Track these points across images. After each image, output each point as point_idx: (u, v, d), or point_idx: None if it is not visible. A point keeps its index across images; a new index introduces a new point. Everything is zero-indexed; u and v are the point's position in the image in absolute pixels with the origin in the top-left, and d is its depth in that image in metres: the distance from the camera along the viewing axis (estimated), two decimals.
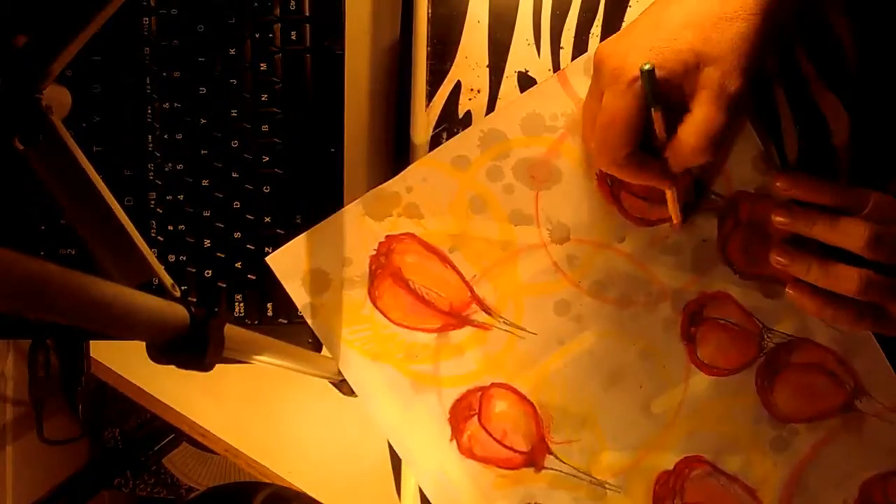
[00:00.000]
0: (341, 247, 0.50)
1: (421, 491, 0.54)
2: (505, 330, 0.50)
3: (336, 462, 0.57)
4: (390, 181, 0.50)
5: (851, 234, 0.44)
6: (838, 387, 0.48)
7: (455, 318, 0.50)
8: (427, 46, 0.51)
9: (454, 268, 0.50)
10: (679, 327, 0.49)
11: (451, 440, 0.50)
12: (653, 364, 0.49)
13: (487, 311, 0.50)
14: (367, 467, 0.56)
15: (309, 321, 0.51)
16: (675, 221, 0.48)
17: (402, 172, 0.50)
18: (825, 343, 0.48)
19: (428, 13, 0.51)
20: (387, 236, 0.50)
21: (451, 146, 0.50)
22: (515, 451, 0.50)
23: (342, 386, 0.51)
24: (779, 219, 0.46)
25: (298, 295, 0.50)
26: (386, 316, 0.50)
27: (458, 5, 0.50)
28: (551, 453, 0.50)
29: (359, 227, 0.50)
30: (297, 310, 0.51)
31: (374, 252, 0.50)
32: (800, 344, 0.49)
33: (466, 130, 0.50)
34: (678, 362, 0.49)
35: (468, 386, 0.50)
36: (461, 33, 0.51)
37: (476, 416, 0.50)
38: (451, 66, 0.51)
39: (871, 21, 0.48)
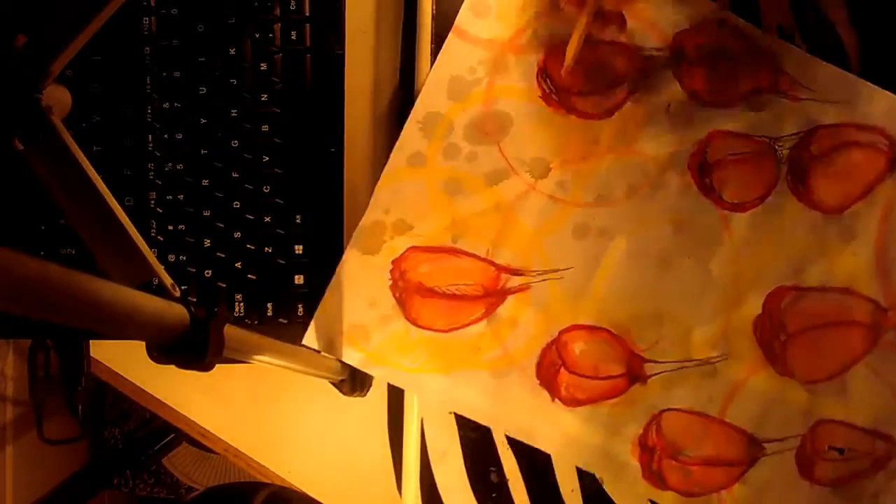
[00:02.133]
0: (360, 294, 0.51)
1: (422, 491, 0.53)
2: (542, 280, 0.49)
3: (336, 462, 0.57)
4: (366, 213, 0.50)
5: None
6: (872, 151, 0.47)
7: (494, 297, 0.50)
8: (431, 43, 0.51)
9: (466, 254, 0.50)
10: (694, 185, 0.48)
11: (553, 400, 0.50)
12: (689, 232, 0.48)
13: (517, 272, 0.50)
14: (368, 467, 0.56)
15: (373, 373, 0.51)
16: (568, 58, 0.46)
17: (371, 200, 0.50)
18: (836, 120, 0.47)
19: (432, 10, 0.51)
20: (392, 262, 0.50)
21: (399, 151, 0.50)
22: (614, 377, 0.49)
23: (342, 386, 0.51)
24: None
25: (350, 356, 0.51)
26: (433, 330, 0.50)
27: (461, 2, 0.50)
28: (647, 361, 0.49)
29: (363, 268, 0.50)
30: (296, 310, 0.51)
31: (390, 282, 0.50)
32: (812, 134, 0.47)
33: (405, 127, 0.50)
34: (711, 217, 0.48)
35: (540, 346, 0.50)
36: None
37: (562, 367, 0.50)
38: None
39: (872, 20, 0.48)
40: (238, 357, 0.41)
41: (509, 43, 0.49)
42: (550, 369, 0.50)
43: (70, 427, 0.86)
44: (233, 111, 0.50)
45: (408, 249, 0.50)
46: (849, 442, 0.48)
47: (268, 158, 0.51)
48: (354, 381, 0.51)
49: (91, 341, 0.62)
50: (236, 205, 0.51)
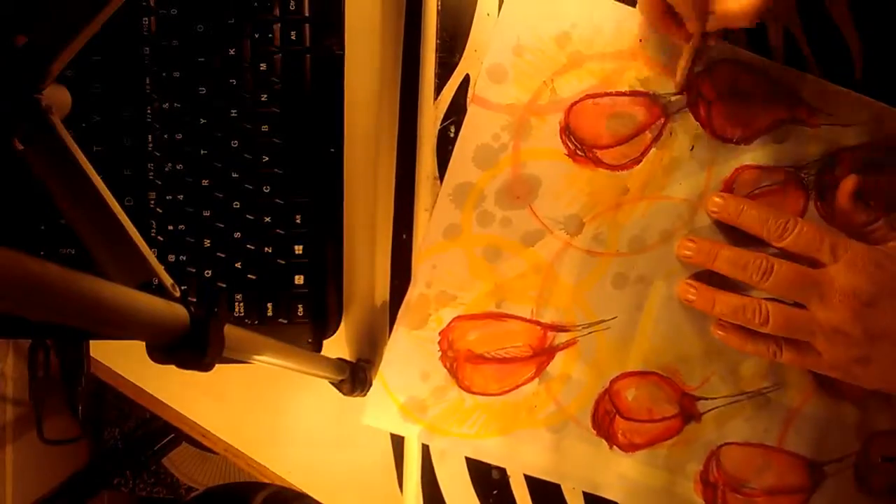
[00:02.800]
0: (412, 368, 0.51)
1: (423, 491, 0.54)
2: (588, 333, 0.50)
3: (336, 462, 0.57)
4: (409, 290, 0.51)
5: (748, 268, 0.44)
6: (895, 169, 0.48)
7: (543, 355, 0.51)
8: (436, 39, 0.51)
9: (512, 317, 0.51)
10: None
11: (612, 447, 0.51)
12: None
13: (563, 329, 0.51)
14: (368, 467, 0.56)
15: (435, 444, 0.52)
16: (678, 80, 0.46)
17: (413, 278, 0.51)
18: (856, 141, 0.48)
19: (437, 5, 0.51)
20: (440, 333, 0.51)
21: (434, 225, 0.51)
22: (669, 417, 0.50)
23: (342, 386, 0.51)
24: (685, 252, 0.47)
25: (409, 430, 0.52)
26: (487, 395, 0.51)
27: None
28: (699, 398, 0.50)
29: (413, 343, 0.51)
30: (297, 310, 0.51)
31: (440, 353, 0.51)
32: (835, 158, 0.48)
33: (437, 203, 0.51)
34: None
35: (593, 398, 0.51)
36: (470, 26, 0.51)
37: (617, 415, 0.50)
38: (460, 58, 0.51)
39: (876, 19, 0.48)
40: (238, 357, 0.41)
41: (529, 105, 0.49)
42: (605, 418, 0.51)
43: (70, 427, 0.86)
44: (233, 111, 0.50)
45: (453, 319, 0.51)
46: None
47: (268, 158, 0.51)
48: (354, 381, 0.51)
49: (91, 341, 0.62)
50: (236, 205, 0.51)
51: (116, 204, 0.38)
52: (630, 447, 0.51)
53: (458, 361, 0.51)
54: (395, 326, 0.52)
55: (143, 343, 0.34)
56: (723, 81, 0.48)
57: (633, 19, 0.48)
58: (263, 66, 0.50)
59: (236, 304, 0.51)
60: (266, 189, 0.51)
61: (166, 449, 0.96)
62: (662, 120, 0.49)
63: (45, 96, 0.36)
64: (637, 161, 0.49)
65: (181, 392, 0.60)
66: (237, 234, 0.51)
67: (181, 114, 0.51)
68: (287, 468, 0.59)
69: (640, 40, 0.48)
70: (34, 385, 0.80)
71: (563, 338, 0.51)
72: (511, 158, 0.50)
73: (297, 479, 0.59)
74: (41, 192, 0.37)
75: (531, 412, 0.51)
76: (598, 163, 0.49)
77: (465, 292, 0.51)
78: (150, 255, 0.38)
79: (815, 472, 0.49)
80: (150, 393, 0.60)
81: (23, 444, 0.81)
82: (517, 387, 0.51)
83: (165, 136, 0.51)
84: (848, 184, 0.46)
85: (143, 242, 0.38)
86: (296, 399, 0.57)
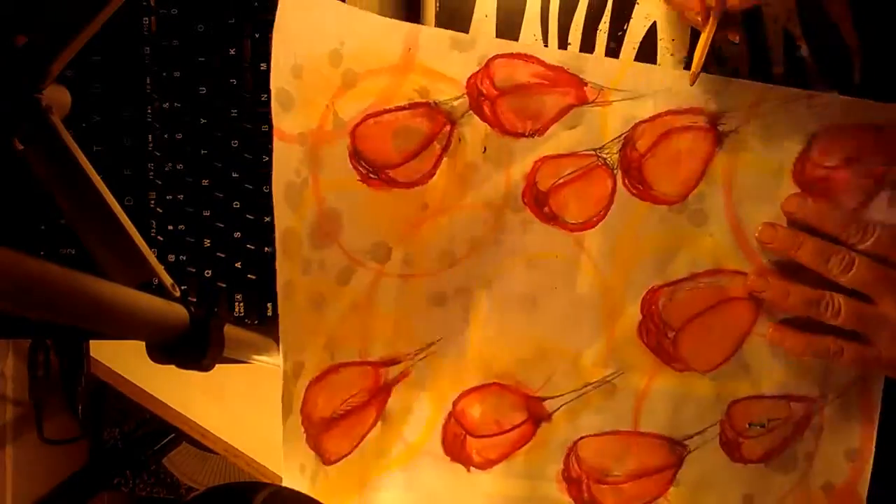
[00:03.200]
0: (292, 463, 0.48)
1: None
2: (420, 359, 0.49)
3: None
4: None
5: (831, 260, 0.44)
6: (696, 131, 0.46)
7: (380, 395, 0.49)
8: None
9: (344, 365, 0.49)
10: (535, 217, 0.47)
11: (469, 469, 0.49)
12: (543, 264, 0.48)
13: (394, 361, 0.49)
14: None
15: None
16: (694, 67, 0.44)
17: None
18: (652, 112, 0.46)
19: (436, 7, 0.51)
20: (300, 413, 0.48)
21: (279, 283, 0.47)
22: (518, 425, 0.49)
23: None
24: (763, 237, 0.46)
25: None
26: (342, 458, 0.49)
27: None
28: (545, 399, 0.49)
29: (290, 433, 0.48)
30: None
31: (305, 435, 0.48)
32: (633, 132, 0.46)
33: (276, 258, 0.47)
34: (560, 241, 0.47)
35: (439, 424, 0.49)
36: (468, 28, 0.51)
37: (466, 436, 0.49)
38: None
39: (874, 19, 0.48)
40: (238, 357, 0.41)
41: (318, 133, 0.47)
42: (456, 441, 0.49)
43: (70, 427, 0.86)
44: (233, 111, 0.50)
45: (306, 390, 0.48)
46: (766, 413, 0.48)
47: (268, 158, 0.51)
48: None
49: (91, 341, 0.62)
50: (236, 205, 0.51)
51: (116, 204, 0.38)
52: (487, 464, 0.49)
53: (317, 437, 0.48)
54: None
55: (143, 343, 0.34)
56: (501, 77, 0.46)
57: (397, 31, 0.46)
58: (263, 66, 0.50)
59: (236, 304, 0.51)
60: (266, 189, 0.51)
61: (166, 449, 0.96)
62: (448, 127, 0.47)
63: (45, 96, 0.36)
64: (430, 175, 0.47)
65: (181, 392, 0.60)
66: (237, 234, 0.51)
67: (181, 114, 0.51)
68: None
69: (409, 49, 0.46)
70: (34, 385, 0.80)
71: (395, 371, 0.49)
72: (312, 193, 0.47)
73: None
74: (41, 192, 0.37)
75: (381, 456, 0.49)
76: (393, 183, 0.47)
77: (306, 353, 0.48)
78: (150, 255, 0.38)
79: (676, 448, 0.48)
80: (150, 393, 0.60)
81: (23, 444, 0.81)
82: (363, 437, 0.49)
83: (165, 136, 0.51)
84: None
85: (143, 242, 0.38)
86: None
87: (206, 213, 0.51)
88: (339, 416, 0.49)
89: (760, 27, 0.49)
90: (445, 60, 0.46)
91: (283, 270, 0.47)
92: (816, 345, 0.45)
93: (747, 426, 0.48)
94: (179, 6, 0.51)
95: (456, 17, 0.51)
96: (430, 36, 0.46)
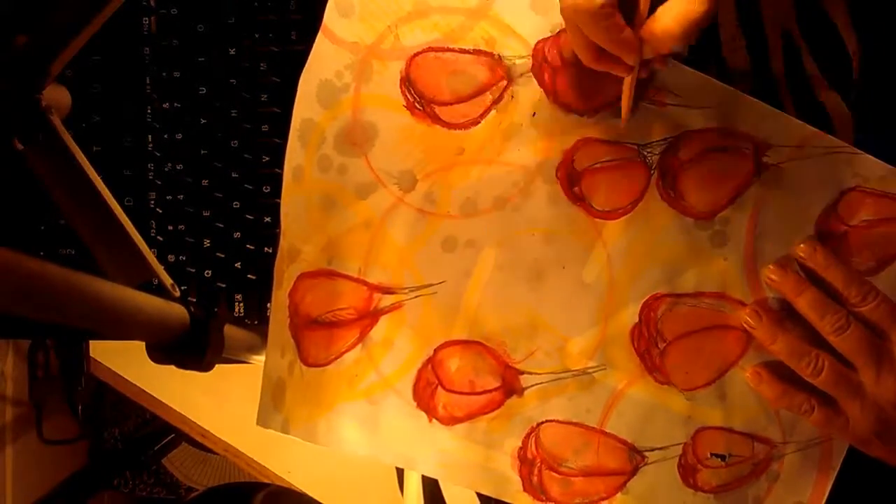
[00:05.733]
0: (274, 343, 0.48)
1: (424, 490, 0.53)
2: (415, 297, 0.48)
3: (336, 462, 0.57)
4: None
5: (825, 318, 0.44)
6: (739, 156, 0.46)
7: (366, 318, 0.48)
8: None
9: (340, 275, 0.48)
10: (563, 194, 0.47)
11: (431, 421, 0.49)
12: (561, 241, 0.47)
13: (389, 291, 0.48)
14: (368, 467, 0.56)
15: (292, 435, 0.49)
16: (624, 115, 0.45)
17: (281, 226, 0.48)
18: (703, 125, 0.46)
19: None
20: (288, 296, 0.48)
21: (286, 166, 0.48)
22: (490, 390, 0.48)
23: None
24: (771, 276, 0.46)
25: (274, 422, 0.48)
26: (317, 365, 0.48)
27: None
28: (523, 373, 0.48)
29: (277, 310, 0.48)
30: None
31: (288, 319, 0.48)
32: (680, 140, 0.46)
33: (288, 143, 0.48)
34: (582, 225, 0.47)
35: (416, 367, 0.48)
36: None
37: (439, 386, 0.48)
38: None
39: (873, 19, 0.49)
40: (238, 357, 0.41)
41: (373, 48, 0.47)
42: (427, 389, 0.48)
43: (70, 427, 0.86)
44: (233, 111, 0.50)
45: (297, 278, 0.48)
46: (730, 447, 0.47)
47: (268, 158, 0.51)
48: None
49: (91, 341, 0.62)
50: (236, 205, 0.51)
51: (116, 204, 0.38)
52: (450, 420, 0.48)
53: (300, 329, 0.48)
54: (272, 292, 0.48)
55: (143, 343, 0.34)
56: (569, 48, 0.45)
57: None
58: (263, 66, 0.50)
59: (236, 304, 0.51)
60: (266, 189, 0.51)
61: (166, 449, 0.96)
62: (505, 83, 0.46)
63: (45, 96, 0.36)
64: (475, 122, 0.47)
65: (181, 392, 0.60)
66: (237, 234, 0.51)
67: (181, 114, 0.51)
68: (287, 468, 0.59)
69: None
70: (34, 385, 0.80)
71: (388, 300, 0.48)
72: (352, 101, 0.47)
73: (297, 479, 0.59)
74: (41, 192, 0.37)
75: (351, 383, 0.48)
76: (436, 119, 0.47)
77: (307, 246, 0.47)
78: (150, 255, 0.38)
79: (634, 456, 0.48)
80: (150, 393, 0.60)
81: (23, 444, 0.81)
82: (341, 354, 0.48)
83: (165, 136, 0.51)
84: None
85: (143, 242, 0.38)
86: None
87: (206, 213, 0.51)
88: (323, 323, 0.48)
89: (760, 28, 0.49)
90: (520, 18, 0.46)
91: (295, 155, 0.47)
92: (790, 398, 0.45)
93: (709, 455, 0.48)
94: (179, 6, 0.51)
95: None
96: None
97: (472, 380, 0.48)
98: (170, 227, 0.51)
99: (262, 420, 0.48)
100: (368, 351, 0.48)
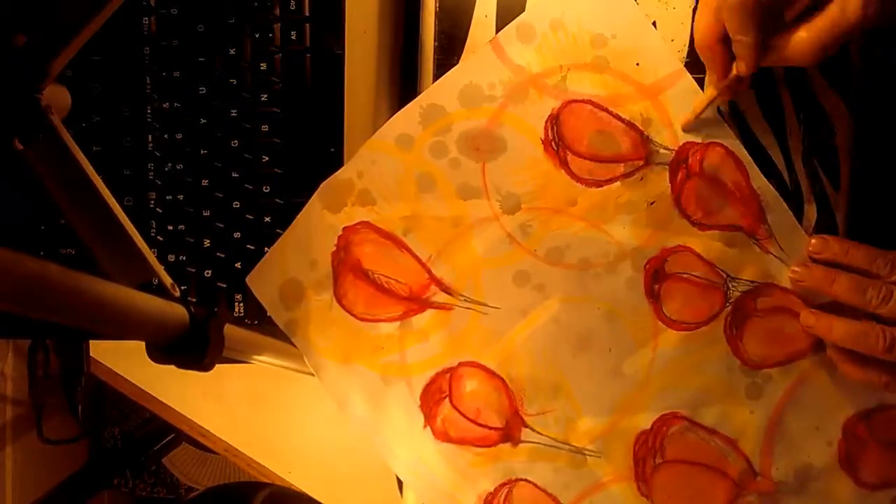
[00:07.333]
0: (308, 248, 0.50)
1: None
2: (466, 308, 0.49)
3: (336, 462, 0.57)
4: (343, 168, 0.50)
5: (868, 293, 0.44)
6: (809, 336, 0.48)
7: (416, 303, 0.49)
8: (434, 41, 0.51)
9: (410, 251, 0.49)
10: (642, 285, 0.49)
11: (425, 427, 0.50)
12: (619, 325, 0.49)
13: (447, 290, 0.49)
14: (368, 467, 0.56)
15: (293, 339, 0.50)
16: (690, 117, 0.47)
17: (353, 158, 0.50)
18: (788, 286, 0.48)
19: (435, 7, 0.51)
20: (344, 229, 0.50)
21: (393, 124, 0.49)
22: (490, 428, 0.49)
23: None
24: (798, 274, 0.47)
25: (279, 315, 0.50)
26: (350, 313, 0.50)
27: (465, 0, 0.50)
28: (527, 426, 0.49)
29: (319, 223, 0.50)
30: None
31: (335, 248, 0.50)
32: (764, 289, 0.48)
33: (407, 106, 0.49)
34: (645, 321, 0.49)
35: (436, 369, 0.49)
36: (468, 28, 0.51)
37: (447, 398, 0.49)
38: (458, 60, 0.51)
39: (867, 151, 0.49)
40: (238, 357, 0.41)
41: (536, 78, 0.49)
42: (436, 395, 0.49)
43: (70, 427, 0.86)
44: (233, 111, 0.50)
45: (361, 223, 0.50)
46: None
47: (268, 158, 0.51)
48: None
49: (91, 341, 0.62)
50: (236, 205, 0.51)
51: (116, 204, 0.38)
52: (442, 436, 0.50)
53: (344, 265, 0.50)
54: (311, 199, 0.50)
55: (143, 343, 0.34)
56: (711, 163, 0.48)
57: (667, 64, 0.48)
58: (263, 66, 0.50)
59: (236, 304, 0.51)
60: (266, 189, 0.51)
61: (166, 449, 0.96)
62: (641, 163, 0.48)
63: (45, 96, 0.36)
64: (598, 184, 0.49)
65: (181, 392, 0.60)
66: (237, 234, 0.51)
67: (181, 114, 0.51)
68: (287, 468, 0.59)
69: (665, 82, 0.48)
70: (34, 385, 0.80)
71: (442, 297, 0.49)
72: (494, 112, 0.49)
73: (297, 479, 0.59)
74: (41, 192, 0.37)
75: (375, 352, 0.50)
76: (564, 164, 0.49)
77: (385, 203, 0.49)
78: (150, 255, 0.38)
79: None
80: (150, 393, 0.60)
81: (23, 444, 0.81)
82: (378, 320, 0.50)
83: (165, 136, 0.51)
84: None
85: (143, 242, 0.38)
86: (296, 399, 0.57)
87: (206, 213, 0.51)
88: (372, 281, 0.50)
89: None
90: (683, 115, 0.48)
91: (411, 125, 0.49)
92: (868, 372, 0.45)
93: None
94: (179, 6, 0.51)
95: (456, 16, 0.51)
96: (687, 86, 0.48)
97: (479, 408, 0.49)
98: (170, 227, 0.51)
99: (260, 292, 0.50)
100: (403, 332, 0.50)
